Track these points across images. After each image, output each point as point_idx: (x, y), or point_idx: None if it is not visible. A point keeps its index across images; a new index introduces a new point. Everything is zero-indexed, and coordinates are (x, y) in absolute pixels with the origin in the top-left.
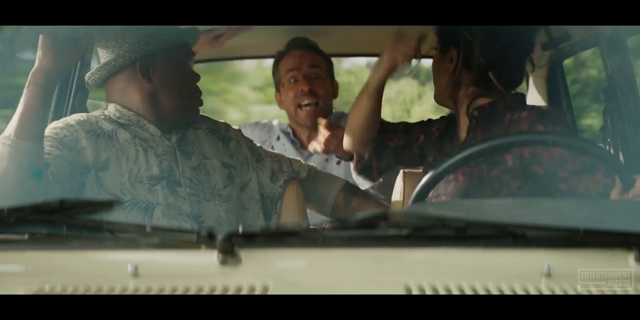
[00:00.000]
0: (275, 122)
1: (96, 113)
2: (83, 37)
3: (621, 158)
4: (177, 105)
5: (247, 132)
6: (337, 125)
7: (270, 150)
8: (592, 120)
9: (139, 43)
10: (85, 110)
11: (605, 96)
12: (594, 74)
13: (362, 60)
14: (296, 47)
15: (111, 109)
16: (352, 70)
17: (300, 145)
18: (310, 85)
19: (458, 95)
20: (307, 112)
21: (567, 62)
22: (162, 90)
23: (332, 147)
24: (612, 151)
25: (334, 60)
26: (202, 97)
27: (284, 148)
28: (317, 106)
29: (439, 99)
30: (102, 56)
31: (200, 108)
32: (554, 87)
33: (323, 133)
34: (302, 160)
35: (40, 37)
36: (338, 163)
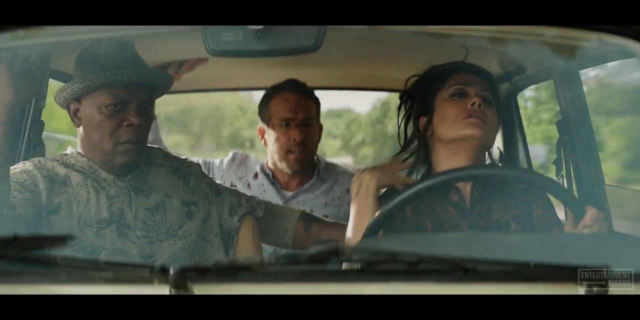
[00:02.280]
0: (252, 158)
1: (56, 157)
2: (39, 69)
3: (574, 191)
4: (104, 148)
5: (222, 168)
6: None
7: (246, 188)
8: None
9: (93, 74)
10: (41, 143)
11: (559, 129)
12: None
13: None
14: (292, 90)
15: (70, 153)
16: None
17: (280, 186)
18: (302, 135)
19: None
20: (295, 157)
21: None
22: (90, 131)
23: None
24: (565, 184)
25: None
26: None
27: (263, 188)
28: (304, 154)
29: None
30: (75, 76)
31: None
32: (508, 120)
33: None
34: (260, 198)
35: None
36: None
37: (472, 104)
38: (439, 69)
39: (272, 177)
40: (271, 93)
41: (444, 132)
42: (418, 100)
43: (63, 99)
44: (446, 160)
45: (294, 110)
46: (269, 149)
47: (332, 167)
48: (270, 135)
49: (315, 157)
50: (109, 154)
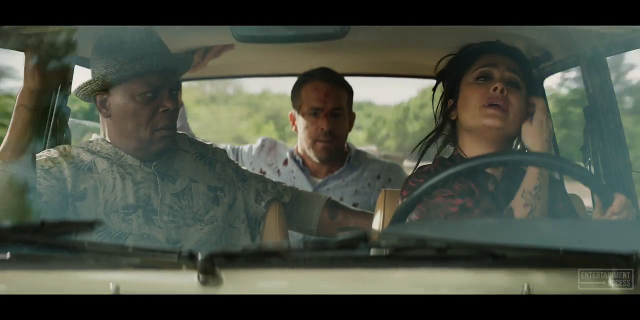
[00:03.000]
0: (281, 144)
1: (82, 144)
2: (65, 55)
3: (601, 177)
4: (141, 136)
5: (251, 154)
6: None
7: (276, 175)
8: None
9: (125, 64)
10: (67, 129)
11: (586, 115)
12: None
13: None
14: (323, 79)
15: (95, 140)
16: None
17: (310, 173)
18: (330, 125)
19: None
20: (322, 147)
21: None
22: (123, 120)
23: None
24: (592, 171)
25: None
26: None
27: (293, 175)
28: (332, 144)
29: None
30: (93, 71)
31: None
32: None
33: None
34: (288, 185)
35: (24, 57)
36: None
37: (494, 89)
38: (470, 49)
39: (302, 164)
40: (302, 80)
41: (466, 119)
42: (447, 82)
43: (90, 91)
44: (471, 147)
45: (324, 100)
46: (298, 136)
47: (362, 154)
48: (300, 122)
49: (346, 145)
50: (146, 141)
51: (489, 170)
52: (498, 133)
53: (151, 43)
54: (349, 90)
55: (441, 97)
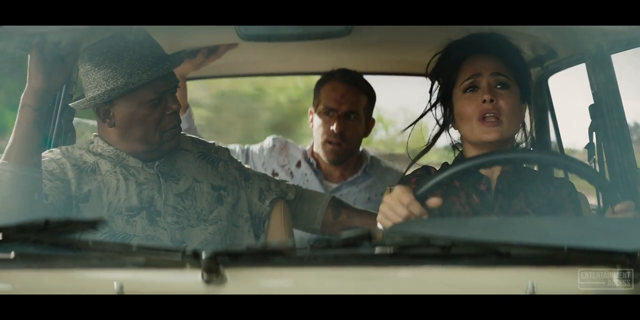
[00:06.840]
0: (292, 144)
1: (82, 145)
2: (69, 55)
3: (606, 175)
4: (150, 140)
5: (263, 155)
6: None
7: (288, 177)
8: None
9: (131, 76)
10: (71, 128)
11: (591, 113)
12: None
13: None
14: (342, 80)
15: (96, 142)
16: None
17: (324, 177)
18: (341, 127)
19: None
20: (331, 149)
21: None
22: (131, 128)
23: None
24: (597, 168)
25: None
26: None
27: (306, 178)
28: (341, 147)
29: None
30: (87, 88)
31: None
32: (540, 104)
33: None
34: (292, 185)
35: (29, 57)
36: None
37: (484, 101)
38: (454, 50)
39: (316, 166)
40: (324, 79)
41: (465, 132)
42: (440, 88)
43: (93, 105)
44: (474, 153)
45: (339, 101)
46: (313, 133)
47: (377, 162)
48: (316, 120)
49: (361, 152)
50: (156, 144)
51: (482, 172)
52: (499, 141)
53: (149, 47)
54: (370, 95)
55: (436, 100)
